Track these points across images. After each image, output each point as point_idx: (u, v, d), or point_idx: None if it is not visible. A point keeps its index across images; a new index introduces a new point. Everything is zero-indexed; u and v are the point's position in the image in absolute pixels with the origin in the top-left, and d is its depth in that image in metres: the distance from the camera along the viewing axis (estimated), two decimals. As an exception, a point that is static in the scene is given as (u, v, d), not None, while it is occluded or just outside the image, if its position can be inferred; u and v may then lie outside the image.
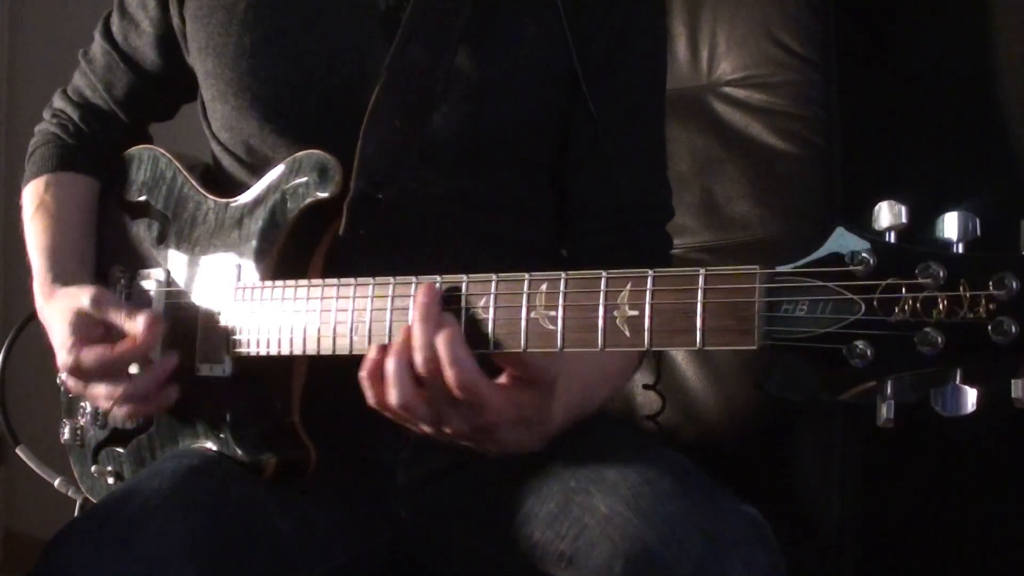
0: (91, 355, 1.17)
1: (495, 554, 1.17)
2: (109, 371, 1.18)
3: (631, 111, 1.25)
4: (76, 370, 1.19)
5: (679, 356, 1.63)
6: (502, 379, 1.00)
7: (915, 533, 1.68)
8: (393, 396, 0.98)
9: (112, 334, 1.19)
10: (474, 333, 0.97)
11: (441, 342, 0.96)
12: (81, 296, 1.21)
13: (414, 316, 0.97)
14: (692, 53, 1.70)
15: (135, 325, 1.16)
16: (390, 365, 0.98)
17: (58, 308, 1.23)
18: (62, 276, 1.29)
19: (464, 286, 0.98)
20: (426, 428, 1.02)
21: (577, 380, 1.12)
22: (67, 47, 1.50)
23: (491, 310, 0.96)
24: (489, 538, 1.18)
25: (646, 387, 1.47)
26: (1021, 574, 1.59)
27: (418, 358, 0.97)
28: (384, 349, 1.00)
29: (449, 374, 0.95)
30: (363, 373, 1.01)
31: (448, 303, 0.98)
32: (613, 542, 1.02)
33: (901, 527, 1.68)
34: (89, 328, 1.20)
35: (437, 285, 0.99)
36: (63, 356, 1.20)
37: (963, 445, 1.50)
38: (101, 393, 1.19)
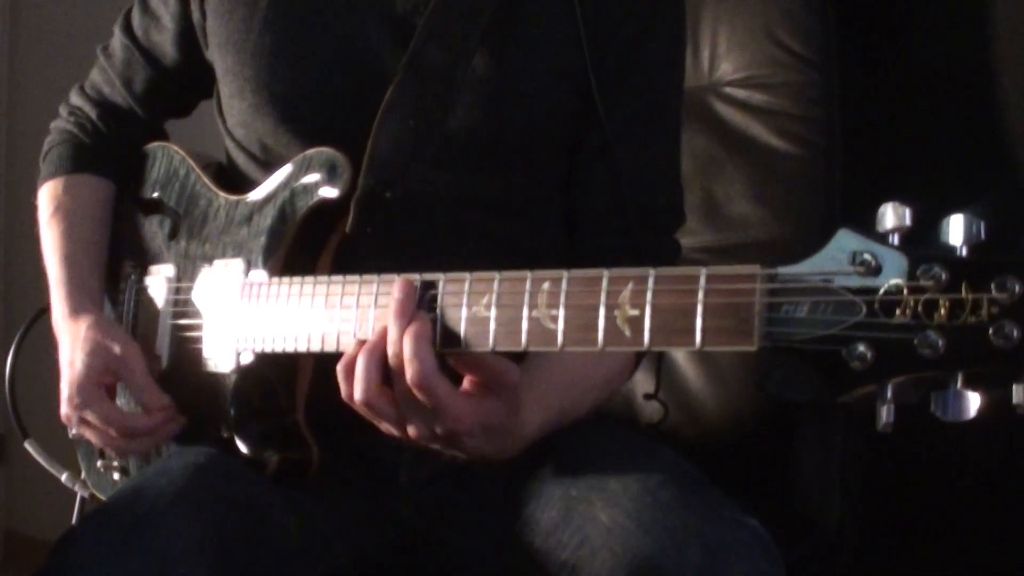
0: (96, 416, 1.22)
1: (496, 555, 1.18)
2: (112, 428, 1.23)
3: (641, 115, 1.25)
4: (77, 421, 1.24)
5: (680, 357, 1.63)
6: (464, 386, 1.00)
7: (914, 534, 1.68)
8: (357, 391, 0.99)
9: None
10: (448, 334, 0.96)
11: (407, 337, 0.95)
12: (104, 348, 1.22)
13: (390, 311, 0.97)
14: (692, 53, 1.69)
15: (151, 410, 1.21)
16: (360, 360, 0.99)
17: (78, 340, 1.24)
18: (82, 292, 1.30)
19: (441, 284, 0.97)
20: (390, 428, 1.02)
21: (556, 387, 1.11)
22: (67, 47, 1.51)
23: (492, 308, 0.94)
24: (490, 539, 1.19)
25: (647, 397, 1.46)
26: (1020, 574, 1.59)
27: (390, 353, 0.97)
28: (361, 344, 1.00)
29: (408, 371, 0.95)
30: (339, 367, 1.01)
31: (428, 302, 0.97)
32: (615, 553, 1.02)
33: (900, 528, 1.68)
34: (98, 385, 1.23)
35: (416, 282, 0.98)
36: (66, 406, 1.23)
37: (962, 446, 1.50)
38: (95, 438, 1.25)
